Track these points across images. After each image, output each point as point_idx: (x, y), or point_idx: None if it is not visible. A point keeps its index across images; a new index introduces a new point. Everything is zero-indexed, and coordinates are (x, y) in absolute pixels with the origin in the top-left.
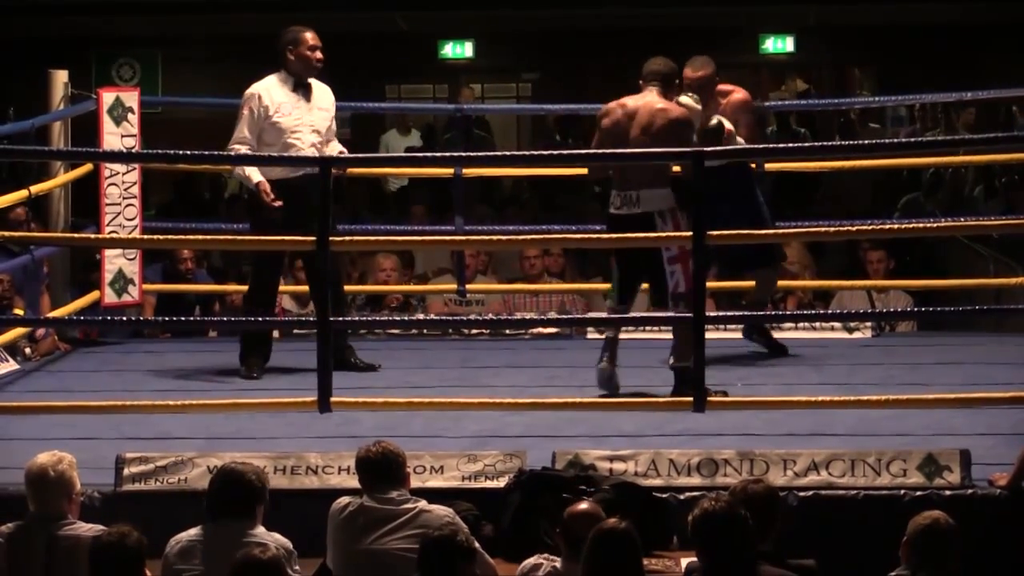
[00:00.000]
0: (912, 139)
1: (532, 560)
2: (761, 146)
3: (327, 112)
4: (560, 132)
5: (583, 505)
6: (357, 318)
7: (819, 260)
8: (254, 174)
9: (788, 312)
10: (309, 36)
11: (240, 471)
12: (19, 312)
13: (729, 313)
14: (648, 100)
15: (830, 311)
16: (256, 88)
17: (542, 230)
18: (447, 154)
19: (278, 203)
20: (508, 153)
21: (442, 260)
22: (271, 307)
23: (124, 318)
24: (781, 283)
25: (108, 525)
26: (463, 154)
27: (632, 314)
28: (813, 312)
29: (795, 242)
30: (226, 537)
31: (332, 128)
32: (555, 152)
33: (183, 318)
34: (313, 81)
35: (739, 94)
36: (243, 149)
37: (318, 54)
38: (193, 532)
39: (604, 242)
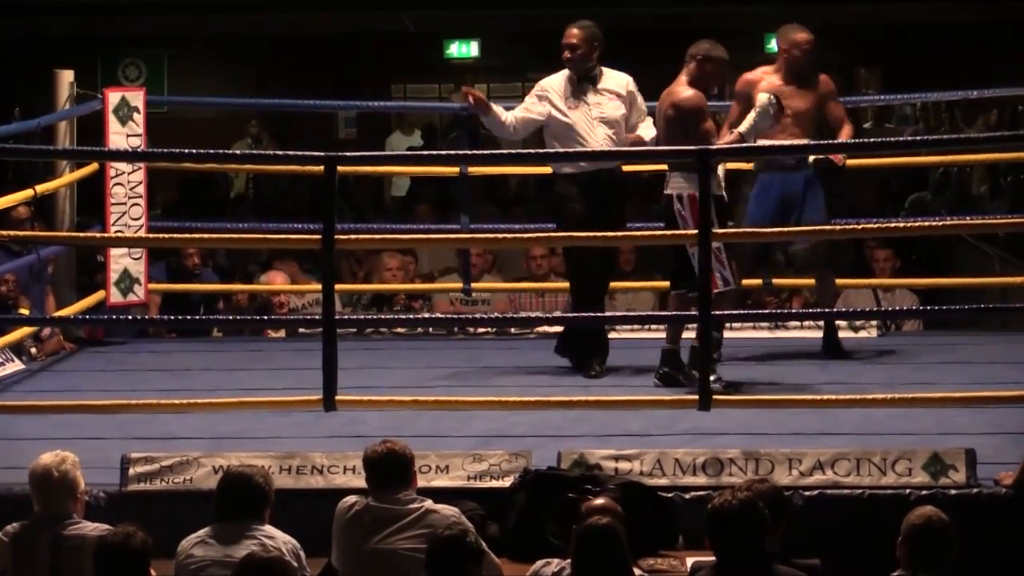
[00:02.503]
0: (917, 138)
1: (541, 563)
2: (768, 144)
3: (617, 101)
4: None
5: (599, 500)
6: (363, 316)
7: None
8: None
9: (794, 311)
10: (566, 34)
11: (246, 475)
12: (24, 312)
13: (735, 312)
14: (673, 84)
15: (836, 310)
16: (542, 82)
17: (548, 229)
18: (453, 152)
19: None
20: (513, 151)
21: (448, 259)
22: (600, 303)
23: (130, 317)
24: (785, 282)
25: (114, 525)
26: (469, 152)
27: (636, 313)
28: (819, 311)
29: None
30: (234, 536)
31: (640, 108)
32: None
33: (189, 317)
34: (606, 70)
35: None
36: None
37: (566, 53)
38: (202, 533)
39: (610, 240)
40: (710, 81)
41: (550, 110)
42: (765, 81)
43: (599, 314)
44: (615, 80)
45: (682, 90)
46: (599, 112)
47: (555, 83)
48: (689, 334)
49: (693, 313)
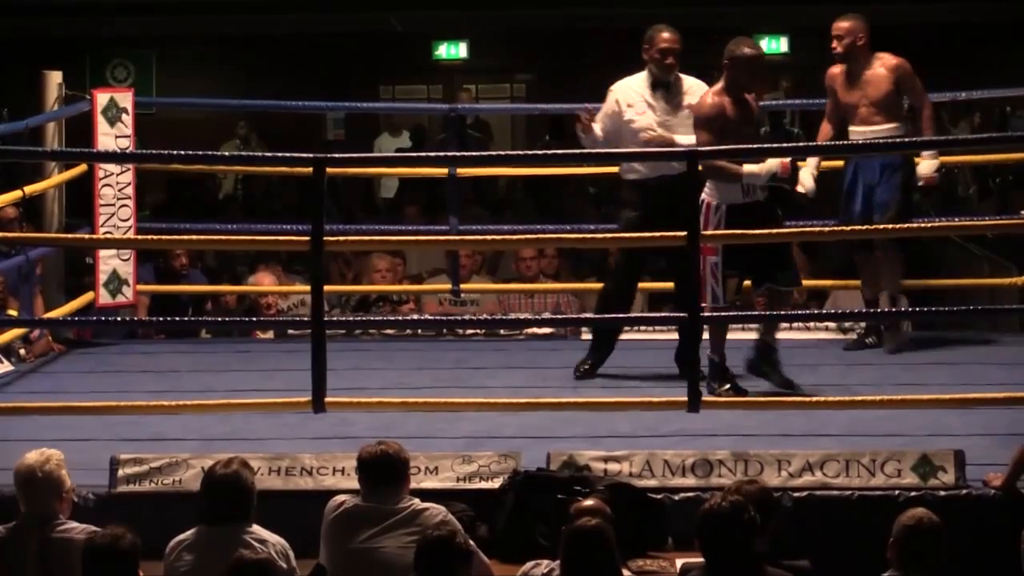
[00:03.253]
0: (906, 139)
1: (531, 564)
2: (756, 146)
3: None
4: (552, 134)
5: (588, 502)
6: (351, 318)
7: (813, 260)
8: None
9: (783, 312)
10: (662, 37)
11: (232, 477)
12: (13, 313)
13: (728, 314)
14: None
15: (824, 311)
16: (616, 85)
17: (536, 230)
18: (442, 154)
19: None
20: (502, 153)
21: (436, 261)
22: (629, 308)
23: (119, 319)
24: None
25: (103, 526)
26: (458, 154)
27: (630, 315)
28: (807, 312)
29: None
30: (224, 538)
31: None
32: (549, 152)
33: (178, 318)
34: (686, 79)
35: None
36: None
37: (669, 59)
38: (190, 534)
39: (599, 242)
40: (743, 82)
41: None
42: (836, 68)
43: (590, 316)
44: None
45: (704, 96)
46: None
47: (633, 86)
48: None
49: (681, 315)
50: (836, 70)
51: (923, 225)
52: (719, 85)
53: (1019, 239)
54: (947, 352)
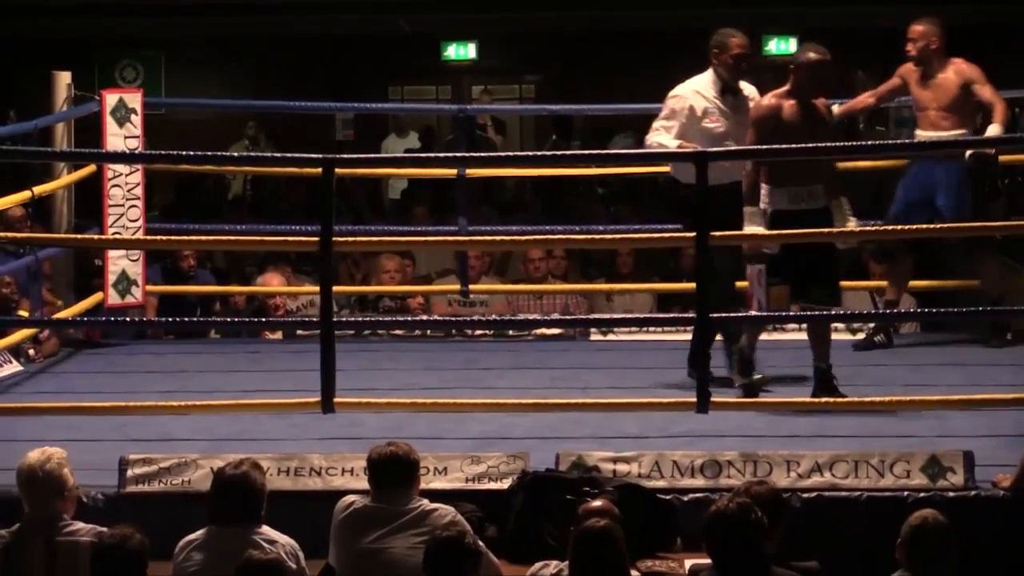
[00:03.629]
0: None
1: (539, 565)
2: (765, 147)
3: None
4: (559, 133)
5: (596, 503)
6: (360, 319)
7: None
8: (669, 141)
9: (790, 313)
10: (735, 42)
11: (238, 476)
12: (24, 314)
13: (736, 314)
14: None
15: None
16: (683, 90)
17: (545, 231)
18: (451, 154)
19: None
20: (511, 154)
21: (445, 261)
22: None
23: (128, 319)
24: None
25: (111, 526)
26: (466, 154)
27: (638, 315)
28: (815, 313)
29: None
30: (233, 538)
31: None
32: (558, 152)
33: (187, 319)
34: (744, 85)
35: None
36: (663, 136)
37: (743, 65)
38: (199, 535)
39: (607, 243)
40: (807, 87)
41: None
42: (915, 73)
43: (602, 316)
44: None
45: (764, 97)
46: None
47: (704, 92)
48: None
49: (690, 315)
50: (912, 65)
51: (931, 227)
52: (783, 88)
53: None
54: (956, 353)
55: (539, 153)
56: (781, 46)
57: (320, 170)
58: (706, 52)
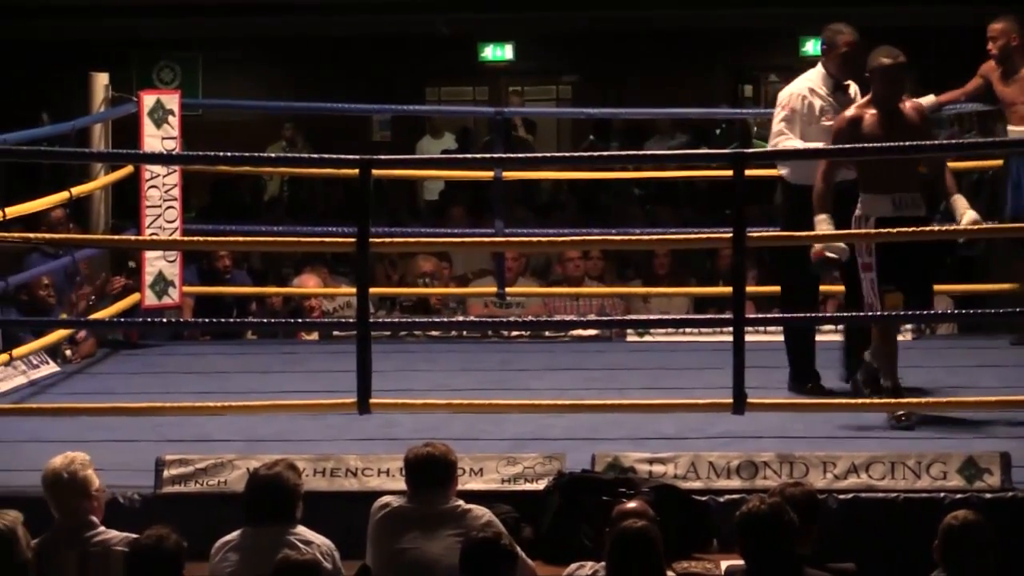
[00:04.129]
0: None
1: (575, 566)
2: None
3: None
4: (596, 133)
5: (632, 504)
6: (397, 319)
7: None
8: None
9: (829, 315)
10: (843, 39)
11: (275, 478)
12: (62, 315)
13: (768, 315)
14: None
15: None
16: (797, 89)
17: (581, 232)
18: (487, 155)
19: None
20: (548, 155)
21: (481, 262)
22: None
23: (165, 320)
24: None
25: (148, 527)
26: (503, 155)
27: (674, 316)
28: (850, 315)
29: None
30: (268, 539)
31: None
32: (594, 154)
33: (224, 320)
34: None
35: None
36: (793, 140)
37: (853, 62)
38: (235, 536)
39: (644, 244)
40: (882, 93)
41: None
42: (998, 71)
43: (639, 316)
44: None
45: (843, 114)
46: None
47: (819, 91)
48: None
49: (727, 316)
50: (993, 64)
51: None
52: (865, 98)
53: None
54: (993, 355)
55: (576, 154)
56: (819, 47)
57: (357, 171)
58: (741, 53)
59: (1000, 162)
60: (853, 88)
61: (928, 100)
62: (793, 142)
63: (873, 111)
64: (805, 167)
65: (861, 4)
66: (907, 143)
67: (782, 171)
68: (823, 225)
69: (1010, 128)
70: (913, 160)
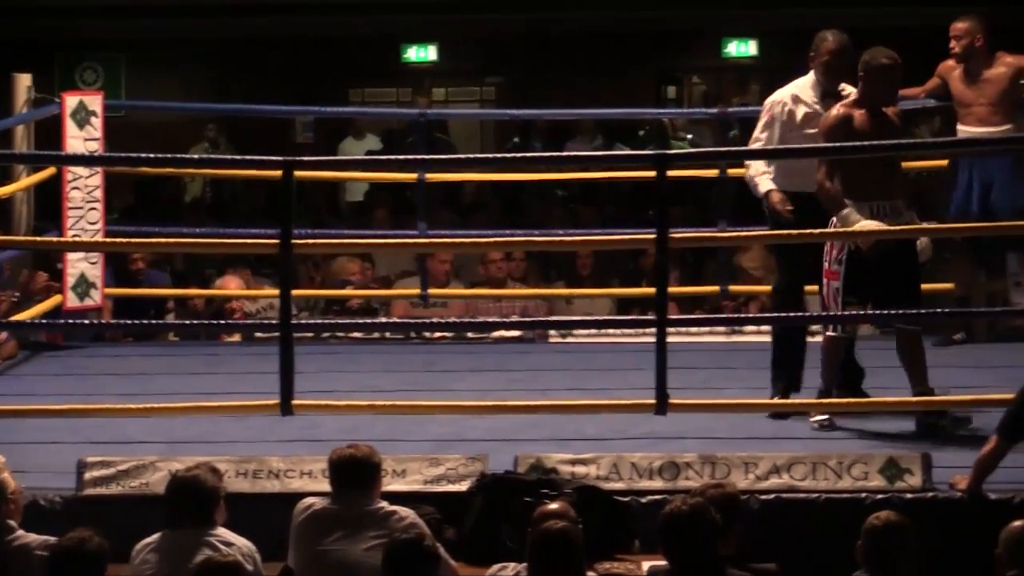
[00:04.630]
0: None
1: (497, 567)
2: (732, 148)
3: None
4: (520, 135)
5: (552, 505)
6: (319, 321)
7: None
8: (764, 182)
9: (750, 315)
10: (826, 46)
11: (191, 479)
12: None
13: (691, 316)
14: None
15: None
16: (783, 95)
17: (505, 234)
18: (411, 156)
19: (790, 210)
20: (471, 156)
21: (405, 264)
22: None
23: (87, 321)
24: (741, 288)
25: (69, 529)
26: (426, 156)
27: (596, 317)
28: (775, 315)
29: (757, 246)
30: (188, 541)
31: None
32: (517, 155)
33: (151, 321)
34: (847, 87)
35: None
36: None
37: (839, 67)
38: (155, 538)
39: (567, 244)
40: (879, 94)
41: None
42: (957, 71)
43: (561, 318)
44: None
45: (832, 107)
46: None
47: (804, 97)
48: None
49: (650, 317)
50: (952, 63)
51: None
52: (852, 97)
53: (989, 241)
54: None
55: (498, 155)
56: (741, 48)
57: (280, 172)
58: (667, 56)
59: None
60: (850, 91)
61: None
62: (759, 178)
63: (862, 111)
64: (797, 174)
65: (780, 6)
66: (889, 142)
67: (763, 181)
68: (853, 217)
69: (961, 128)
70: (896, 166)
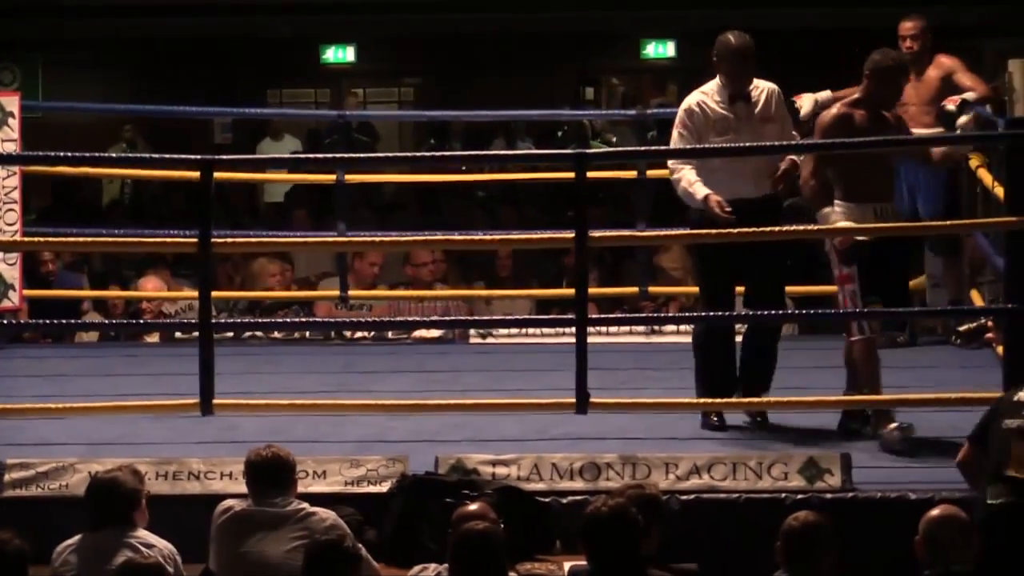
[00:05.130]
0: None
1: (419, 568)
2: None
3: (775, 124)
4: (437, 136)
5: (472, 506)
6: (238, 320)
7: None
8: (699, 189)
9: (669, 315)
10: (725, 50)
11: (110, 480)
12: None
13: (611, 316)
14: None
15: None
16: (692, 101)
17: (425, 234)
18: (329, 155)
19: (729, 214)
20: (391, 155)
21: (325, 265)
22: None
23: (5, 322)
24: (661, 290)
25: None
26: (345, 155)
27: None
28: (694, 315)
29: (676, 247)
30: (108, 542)
31: (789, 136)
32: (437, 154)
33: (71, 321)
34: (763, 85)
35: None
36: (685, 169)
37: (743, 69)
38: (76, 540)
39: (486, 244)
40: (884, 96)
41: None
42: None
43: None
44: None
45: (831, 107)
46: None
47: (710, 103)
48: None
49: (569, 317)
50: None
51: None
52: (852, 97)
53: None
54: (833, 355)
55: (418, 155)
56: (659, 50)
57: (198, 172)
58: (583, 58)
59: None
60: (767, 87)
61: (824, 95)
62: (687, 172)
63: (862, 111)
64: (724, 181)
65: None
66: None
67: (699, 188)
68: (834, 217)
69: None
70: (892, 167)
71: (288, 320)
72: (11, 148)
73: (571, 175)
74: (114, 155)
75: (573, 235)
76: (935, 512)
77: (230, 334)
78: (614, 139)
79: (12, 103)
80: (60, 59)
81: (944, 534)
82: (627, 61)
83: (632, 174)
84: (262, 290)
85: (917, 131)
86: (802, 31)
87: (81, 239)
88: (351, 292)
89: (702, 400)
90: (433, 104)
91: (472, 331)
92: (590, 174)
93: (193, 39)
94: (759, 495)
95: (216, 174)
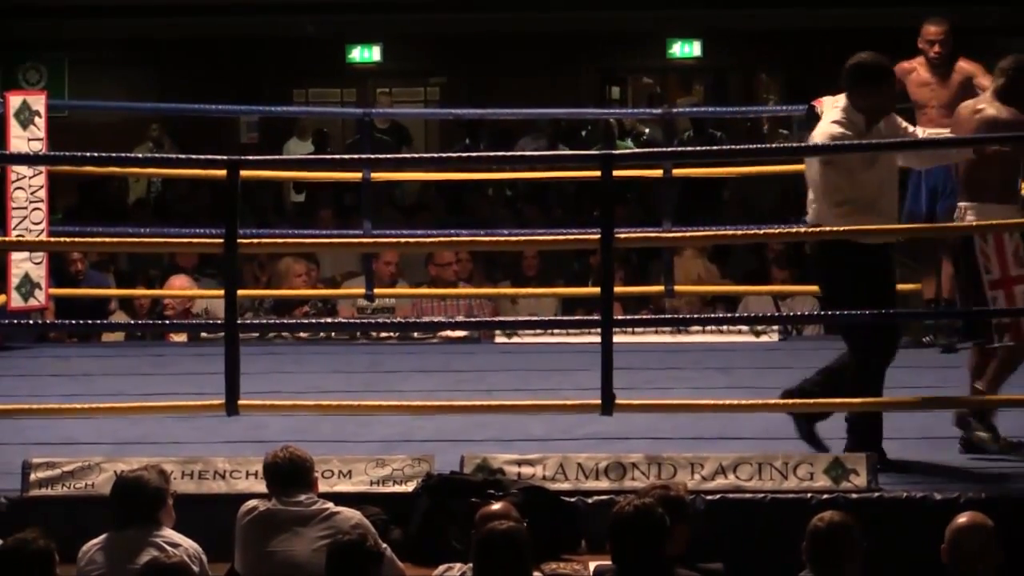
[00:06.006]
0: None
1: (443, 568)
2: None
3: None
4: (469, 135)
5: (495, 505)
6: (264, 321)
7: (725, 264)
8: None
9: (695, 316)
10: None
11: (135, 480)
12: None
13: (637, 317)
14: (973, 100)
15: (737, 315)
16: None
17: (450, 233)
18: (355, 156)
19: None
20: (416, 156)
21: (350, 264)
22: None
23: (31, 321)
24: (686, 289)
25: (15, 531)
26: (371, 155)
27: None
28: (721, 315)
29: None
30: (133, 542)
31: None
32: (463, 154)
33: (98, 322)
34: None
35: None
36: None
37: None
38: (101, 539)
39: (512, 244)
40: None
41: None
42: (915, 72)
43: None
44: None
45: (994, 106)
46: None
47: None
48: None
49: (595, 317)
50: (908, 64)
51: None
52: (990, 95)
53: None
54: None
55: (443, 155)
56: (685, 49)
57: (224, 172)
58: (610, 56)
59: None
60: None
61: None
62: None
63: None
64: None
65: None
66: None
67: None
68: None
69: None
70: None
71: (313, 321)
72: (37, 147)
73: (598, 174)
74: (140, 155)
75: (599, 235)
76: (961, 520)
77: (256, 334)
78: (647, 130)
79: (38, 102)
80: (86, 58)
81: (969, 543)
82: (653, 60)
83: (658, 173)
84: (288, 289)
85: (934, 131)
86: (832, 32)
87: (107, 239)
88: (376, 291)
89: (727, 402)
90: (459, 103)
91: (498, 331)
92: (617, 173)
93: (219, 38)
94: (785, 495)
95: (242, 173)
